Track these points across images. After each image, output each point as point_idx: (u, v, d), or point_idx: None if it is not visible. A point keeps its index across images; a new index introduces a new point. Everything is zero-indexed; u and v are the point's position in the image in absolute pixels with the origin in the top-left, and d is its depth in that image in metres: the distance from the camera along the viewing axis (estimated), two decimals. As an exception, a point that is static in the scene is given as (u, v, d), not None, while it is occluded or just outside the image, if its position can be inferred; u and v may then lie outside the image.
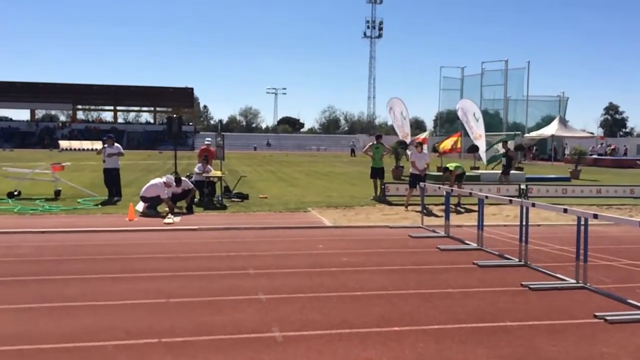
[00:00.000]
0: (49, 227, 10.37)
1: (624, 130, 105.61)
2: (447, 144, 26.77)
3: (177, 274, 7.12)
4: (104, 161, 14.63)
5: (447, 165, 15.65)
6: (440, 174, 17.21)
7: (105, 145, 14.68)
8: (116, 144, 14.73)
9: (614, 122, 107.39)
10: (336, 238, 9.92)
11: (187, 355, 4.48)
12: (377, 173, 16.23)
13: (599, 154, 46.32)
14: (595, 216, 6.55)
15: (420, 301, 6.05)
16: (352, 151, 59.91)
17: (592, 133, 64.05)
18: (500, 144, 28.90)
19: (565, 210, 7.08)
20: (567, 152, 43.94)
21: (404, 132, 30.18)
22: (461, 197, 14.68)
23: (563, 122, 48.35)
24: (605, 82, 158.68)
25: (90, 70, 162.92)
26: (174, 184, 12.71)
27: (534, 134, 49.48)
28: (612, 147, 56.97)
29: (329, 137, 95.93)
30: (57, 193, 14.87)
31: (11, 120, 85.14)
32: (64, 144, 63.62)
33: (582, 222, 6.57)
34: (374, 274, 7.30)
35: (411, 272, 7.42)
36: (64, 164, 16.50)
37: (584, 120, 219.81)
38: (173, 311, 5.59)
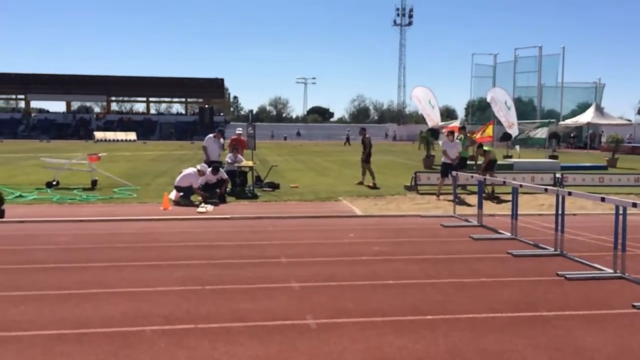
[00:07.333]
0: (87, 216, 10.63)
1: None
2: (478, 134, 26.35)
3: (212, 262, 7.23)
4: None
5: (484, 147, 15.15)
6: (473, 162, 16.88)
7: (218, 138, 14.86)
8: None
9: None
10: (367, 227, 9.91)
11: (223, 340, 4.56)
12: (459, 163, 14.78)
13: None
14: (635, 205, 6.37)
15: (453, 290, 6.02)
16: (347, 139, 58.62)
17: (629, 120, 62.21)
18: (539, 130, 28.26)
19: (602, 199, 6.93)
20: (603, 140, 42.68)
21: (433, 121, 29.94)
22: (494, 187, 14.46)
23: (599, 110, 47.07)
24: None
25: (122, 62, 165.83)
26: (208, 171, 12.87)
27: (569, 121, 48.33)
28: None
29: (359, 126, 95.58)
30: (94, 183, 15.20)
31: (48, 112, 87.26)
32: (98, 135, 64.90)
33: (621, 211, 6.42)
34: (406, 263, 7.28)
35: (444, 262, 7.38)
36: (100, 155, 16.84)
37: (621, 107, 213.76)
38: (209, 298, 5.68)
